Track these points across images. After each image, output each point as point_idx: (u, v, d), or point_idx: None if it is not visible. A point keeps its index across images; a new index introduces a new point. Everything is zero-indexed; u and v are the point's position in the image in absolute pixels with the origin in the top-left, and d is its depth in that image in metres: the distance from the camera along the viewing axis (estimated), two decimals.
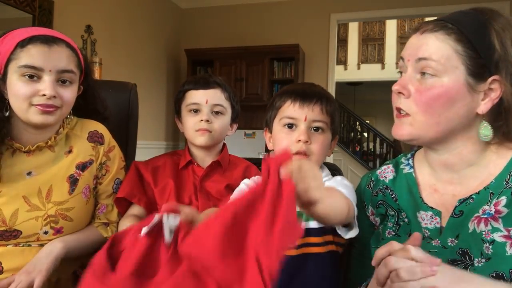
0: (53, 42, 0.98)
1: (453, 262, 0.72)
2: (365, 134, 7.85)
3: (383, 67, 7.91)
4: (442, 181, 0.82)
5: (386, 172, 0.93)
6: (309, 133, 0.95)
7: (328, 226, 0.90)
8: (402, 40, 7.60)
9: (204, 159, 1.22)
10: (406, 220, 0.84)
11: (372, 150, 7.47)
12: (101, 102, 1.20)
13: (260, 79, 4.15)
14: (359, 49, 8.08)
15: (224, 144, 1.28)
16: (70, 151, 1.10)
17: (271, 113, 1.02)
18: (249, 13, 4.47)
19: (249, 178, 1.19)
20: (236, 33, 4.45)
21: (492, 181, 0.75)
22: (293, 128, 0.96)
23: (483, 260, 0.68)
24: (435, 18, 0.79)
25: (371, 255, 0.68)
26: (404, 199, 0.86)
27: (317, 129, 0.96)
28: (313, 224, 0.92)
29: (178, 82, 4.45)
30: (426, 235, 0.79)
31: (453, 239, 0.75)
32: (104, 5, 3.34)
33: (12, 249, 1.01)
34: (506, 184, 0.73)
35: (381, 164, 0.99)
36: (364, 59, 8.07)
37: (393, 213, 0.87)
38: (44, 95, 0.96)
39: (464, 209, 0.76)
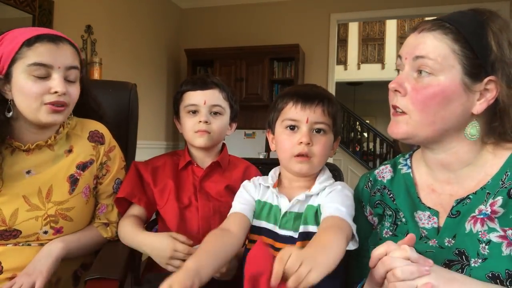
0: (58, 40, 1.00)
1: (450, 262, 0.72)
2: (365, 134, 7.85)
3: (383, 67, 7.91)
4: (440, 181, 0.83)
5: (384, 172, 0.94)
6: (311, 135, 0.95)
7: None
8: (402, 40, 7.60)
9: (204, 160, 1.22)
10: (403, 220, 0.84)
11: (372, 150, 7.47)
12: (94, 101, 1.20)
13: (260, 79, 4.15)
14: (359, 49, 8.08)
15: (224, 144, 1.28)
16: (70, 151, 1.11)
17: (273, 115, 1.02)
18: (249, 13, 4.47)
19: (249, 178, 1.20)
20: (236, 33, 4.45)
21: (488, 181, 0.76)
22: (295, 130, 0.96)
23: (480, 261, 0.69)
24: (434, 18, 0.80)
25: (369, 255, 0.69)
26: (402, 199, 0.86)
27: (319, 130, 0.96)
28: (312, 228, 0.92)
29: (178, 82, 4.44)
30: (423, 235, 0.80)
31: (450, 239, 0.75)
32: (104, 5, 3.34)
33: (12, 249, 1.01)
34: (502, 184, 0.73)
35: (380, 164, 0.99)
36: (364, 59, 8.07)
37: (390, 213, 0.87)
38: (56, 92, 0.97)
39: (461, 209, 0.76)
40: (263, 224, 0.97)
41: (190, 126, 1.17)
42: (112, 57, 3.39)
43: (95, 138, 1.15)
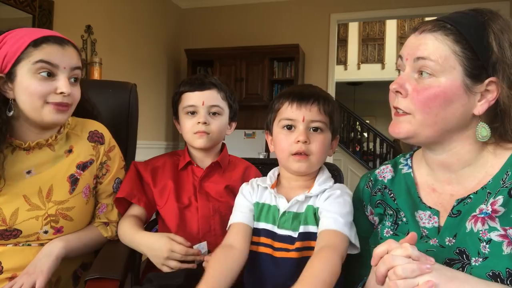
0: (64, 42, 1.01)
1: (450, 261, 0.72)
2: (365, 134, 7.85)
3: (383, 67, 7.91)
4: (440, 181, 0.83)
5: (385, 172, 0.94)
6: (307, 133, 0.95)
7: None
8: (402, 40, 7.60)
9: (204, 160, 1.22)
10: (404, 219, 0.84)
11: (372, 150, 7.47)
12: (87, 101, 1.20)
13: (260, 79, 4.15)
14: (359, 49, 8.08)
15: (224, 144, 1.28)
16: (70, 151, 1.11)
17: (270, 116, 1.02)
18: (249, 13, 4.47)
19: (248, 179, 1.20)
20: (236, 33, 4.45)
21: (489, 181, 0.76)
22: (292, 130, 0.96)
23: (480, 260, 0.69)
24: (434, 18, 0.80)
25: (370, 254, 0.69)
26: (403, 198, 0.86)
27: (316, 129, 0.96)
28: (313, 228, 0.93)
29: (178, 82, 4.44)
30: (424, 234, 0.80)
31: (451, 238, 0.75)
32: (104, 5, 3.34)
33: (12, 249, 1.01)
34: (503, 184, 0.73)
35: (381, 164, 0.99)
36: (364, 59, 8.07)
37: (391, 212, 0.87)
38: (61, 92, 0.98)
39: (462, 208, 0.76)
40: (262, 225, 0.97)
41: (189, 127, 1.17)
42: (112, 57, 3.39)
43: (95, 138, 1.15)
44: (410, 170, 0.89)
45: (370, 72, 7.93)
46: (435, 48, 0.74)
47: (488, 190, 0.75)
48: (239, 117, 1.29)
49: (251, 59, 4.15)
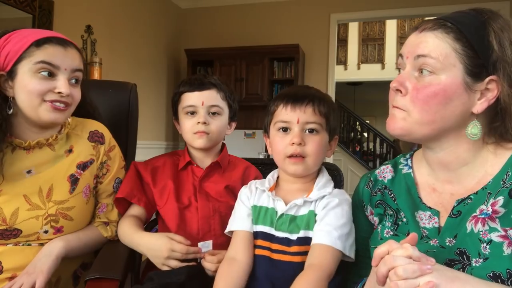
0: (66, 44, 1.02)
1: (451, 262, 0.72)
2: (365, 134, 7.86)
3: (383, 67, 7.91)
4: (440, 180, 0.83)
5: (385, 172, 0.94)
6: (303, 135, 0.95)
7: None
8: (402, 40, 7.60)
9: (203, 160, 1.22)
10: (404, 220, 0.84)
11: (372, 150, 7.48)
12: (89, 104, 1.21)
13: (260, 79, 4.14)
14: (359, 49, 8.08)
15: (224, 144, 1.28)
16: (70, 151, 1.11)
17: (267, 118, 1.03)
18: (249, 13, 4.47)
19: (248, 178, 1.20)
20: (236, 33, 4.45)
21: (490, 181, 0.75)
22: (288, 132, 0.96)
23: (481, 260, 0.68)
24: (435, 17, 0.80)
25: (370, 255, 0.68)
26: (403, 199, 0.86)
27: (311, 130, 0.96)
28: (312, 233, 0.92)
29: (178, 82, 4.44)
30: (424, 234, 0.80)
31: (451, 239, 0.75)
32: (104, 5, 3.34)
33: (12, 248, 1.01)
34: (503, 184, 0.73)
35: (381, 164, 0.99)
36: (364, 59, 8.07)
37: (391, 212, 0.87)
38: (59, 92, 0.98)
39: (462, 209, 0.76)
40: (260, 228, 0.97)
41: (188, 127, 1.17)
42: (112, 57, 3.39)
43: (95, 138, 1.15)
44: (410, 170, 0.89)
45: (370, 72, 7.93)
46: (436, 46, 0.74)
47: (488, 191, 0.74)
48: (239, 117, 1.29)
49: (251, 59, 4.15)
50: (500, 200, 0.71)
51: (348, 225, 0.93)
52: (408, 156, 0.93)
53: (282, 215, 0.95)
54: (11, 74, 0.97)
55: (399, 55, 0.81)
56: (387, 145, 7.43)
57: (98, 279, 0.96)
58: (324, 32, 4.25)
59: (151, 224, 1.28)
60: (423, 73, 0.75)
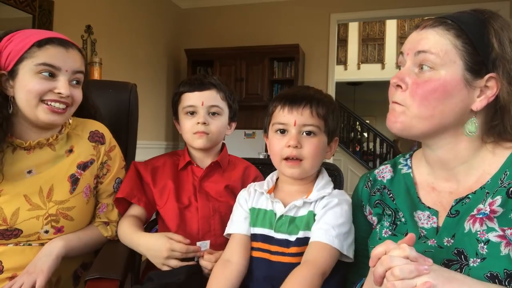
0: (68, 45, 1.02)
1: (449, 262, 0.72)
2: (365, 134, 7.86)
3: (383, 67, 7.91)
4: (439, 178, 0.83)
5: (384, 172, 0.94)
6: (299, 137, 0.94)
7: None
8: (402, 40, 7.60)
9: (203, 160, 1.22)
10: (403, 220, 0.84)
11: (372, 150, 7.48)
12: (91, 106, 1.21)
13: (260, 79, 4.15)
14: (359, 49, 8.08)
15: (224, 144, 1.28)
16: (71, 151, 1.11)
17: (266, 119, 1.03)
18: (249, 13, 4.47)
19: (248, 178, 1.20)
20: (236, 33, 4.45)
21: (488, 181, 0.76)
22: (285, 134, 0.96)
23: (478, 260, 0.68)
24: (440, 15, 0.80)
25: (368, 255, 0.68)
26: (402, 199, 0.86)
27: (308, 133, 0.95)
28: (311, 234, 0.92)
29: (178, 82, 4.44)
30: (422, 234, 0.80)
31: (449, 238, 0.75)
32: (104, 5, 3.34)
33: (12, 248, 1.01)
34: (501, 184, 0.73)
35: (380, 164, 0.99)
36: (364, 59, 8.07)
37: (390, 212, 0.87)
38: (59, 93, 0.99)
39: (460, 208, 0.76)
40: (258, 230, 0.97)
41: (188, 128, 1.17)
42: (112, 57, 3.39)
43: (96, 138, 1.15)
44: (410, 170, 0.89)
45: (370, 72, 7.93)
46: (436, 42, 0.74)
47: (486, 190, 0.75)
48: (239, 117, 1.29)
49: (251, 59, 4.15)
50: (498, 199, 0.71)
51: (347, 224, 0.92)
52: (407, 156, 0.94)
53: (281, 216, 0.95)
54: (12, 73, 0.98)
55: (400, 53, 0.82)
56: (387, 145, 7.44)
57: (98, 279, 0.96)
58: (324, 32, 4.25)
59: (151, 224, 1.28)
60: (423, 69, 0.75)
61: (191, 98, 1.16)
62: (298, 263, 0.90)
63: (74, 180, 1.09)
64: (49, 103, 0.99)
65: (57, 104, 1.00)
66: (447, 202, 0.80)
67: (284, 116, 0.95)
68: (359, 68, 8.08)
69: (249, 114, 4.18)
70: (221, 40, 4.43)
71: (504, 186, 0.72)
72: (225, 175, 1.21)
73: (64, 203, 1.06)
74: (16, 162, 1.02)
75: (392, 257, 0.62)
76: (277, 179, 1.05)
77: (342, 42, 7.81)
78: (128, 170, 1.22)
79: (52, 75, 0.99)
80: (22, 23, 2.58)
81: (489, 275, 0.66)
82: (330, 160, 4.03)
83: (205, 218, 1.13)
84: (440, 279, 0.60)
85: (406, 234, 0.80)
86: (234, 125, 1.27)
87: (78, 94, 1.06)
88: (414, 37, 0.79)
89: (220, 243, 1.08)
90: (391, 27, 7.94)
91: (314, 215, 0.94)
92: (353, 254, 0.92)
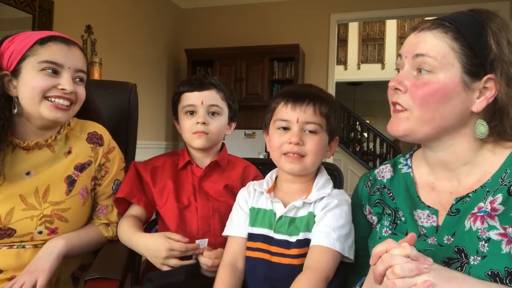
0: (70, 43, 1.03)
1: (449, 260, 0.72)
2: (365, 134, 7.86)
3: (383, 67, 7.91)
4: (440, 179, 0.83)
5: (384, 171, 0.94)
6: (301, 134, 0.94)
7: None
8: (402, 40, 7.59)
9: (203, 160, 1.22)
10: (403, 219, 0.84)
11: (372, 150, 7.47)
12: (94, 111, 1.20)
13: (260, 79, 4.15)
14: (359, 49, 8.08)
15: (223, 144, 1.28)
16: (69, 152, 1.11)
17: (268, 116, 1.02)
18: (249, 13, 4.47)
19: (248, 178, 1.19)
20: (236, 33, 4.45)
21: (488, 180, 0.76)
22: (287, 130, 0.95)
23: (479, 258, 0.68)
24: (434, 18, 0.80)
25: (369, 254, 0.68)
26: (401, 198, 0.86)
27: (311, 130, 0.95)
28: (311, 235, 0.92)
29: (178, 82, 4.43)
30: (422, 233, 0.80)
31: (450, 237, 0.75)
32: (104, 5, 3.34)
33: (6, 251, 1.00)
34: (501, 182, 0.73)
35: (380, 164, 0.99)
36: (364, 59, 8.07)
37: (390, 212, 0.87)
38: (63, 89, 0.99)
39: (461, 207, 0.76)
40: (258, 230, 0.97)
41: (188, 127, 1.17)
42: (112, 57, 3.39)
43: (94, 140, 1.15)
44: (410, 170, 0.89)
45: (370, 72, 7.93)
46: (434, 45, 0.75)
47: (487, 189, 0.75)
48: (239, 117, 1.29)
49: (251, 59, 4.15)
50: (499, 197, 0.71)
51: (347, 226, 0.92)
52: (407, 156, 0.94)
53: (281, 217, 0.95)
54: (15, 72, 0.98)
55: (398, 55, 0.82)
56: (387, 145, 7.43)
57: (98, 279, 0.96)
58: (324, 32, 4.25)
59: (151, 224, 1.28)
60: (421, 72, 0.75)
61: (191, 98, 1.16)
62: (299, 265, 0.89)
63: (71, 182, 1.08)
64: (52, 99, 0.99)
65: (61, 101, 1.00)
66: (447, 202, 0.80)
67: (287, 113, 0.95)
68: (359, 68, 8.08)
69: (249, 114, 4.18)
70: (221, 40, 4.43)
71: (505, 185, 0.72)
72: (224, 175, 1.20)
73: (59, 204, 1.05)
74: (15, 163, 1.02)
75: (393, 255, 0.62)
76: (276, 178, 1.05)
77: (342, 42, 7.81)
78: (127, 170, 1.21)
79: (55, 72, 0.99)
80: (22, 23, 2.58)
81: (490, 273, 0.66)
82: (330, 160, 4.04)
83: (204, 218, 1.13)
84: (440, 278, 0.60)
85: (406, 233, 0.80)
86: (234, 125, 1.27)
87: (81, 91, 1.05)
88: (412, 39, 0.79)
89: (219, 242, 1.08)
90: (391, 27, 7.94)
91: (314, 216, 0.93)
92: (354, 255, 0.92)
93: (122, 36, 3.57)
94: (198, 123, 1.15)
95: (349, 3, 4.18)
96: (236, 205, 1.05)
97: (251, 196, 1.02)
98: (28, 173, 1.04)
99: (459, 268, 0.70)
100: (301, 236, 0.92)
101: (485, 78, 0.73)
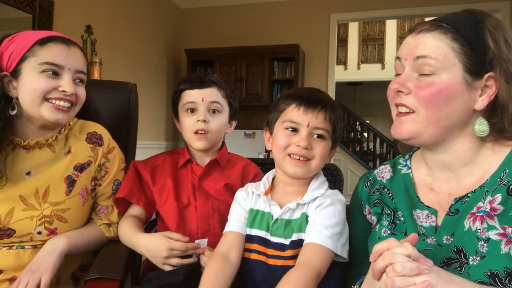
0: (70, 43, 1.02)
1: (448, 261, 0.72)
2: (365, 134, 7.86)
3: (383, 67, 7.91)
4: (439, 180, 0.83)
5: (384, 172, 0.94)
6: (310, 139, 0.94)
7: None
8: (402, 40, 7.55)
9: (203, 158, 1.22)
10: (402, 219, 0.84)
11: (372, 150, 7.47)
12: (93, 111, 1.20)
13: (260, 79, 4.15)
14: (359, 49, 8.08)
15: (223, 143, 1.28)
16: (69, 152, 1.10)
17: (273, 115, 1.01)
18: (249, 13, 4.47)
19: (248, 176, 1.19)
20: (236, 33, 4.45)
21: (487, 179, 0.76)
22: (295, 132, 0.95)
23: (478, 258, 0.69)
24: (431, 19, 0.80)
25: (368, 254, 0.69)
26: (401, 198, 0.87)
27: (319, 136, 0.95)
28: (304, 236, 0.92)
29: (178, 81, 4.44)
30: (421, 232, 0.80)
31: (449, 237, 0.75)
32: (104, 5, 3.34)
33: (6, 252, 1.00)
34: (500, 181, 0.73)
35: (380, 164, 0.99)
36: (364, 59, 8.07)
37: (389, 212, 0.87)
38: (64, 91, 0.99)
39: (460, 207, 0.77)
40: (256, 232, 0.97)
41: (188, 126, 1.16)
42: (112, 57, 3.39)
43: (93, 140, 1.15)
44: (409, 171, 0.90)
45: (370, 72, 7.93)
46: (434, 46, 0.75)
47: (486, 189, 0.75)
48: (239, 117, 1.28)
49: (251, 59, 4.16)
50: (498, 197, 0.71)
51: (340, 224, 0.92)
52: (407, 156, 0.94)
53: (276, 220, 0.95)
54: (15, 73, 0.97)
55: (396, 58, 0.82)
56: (387, 145, 7.43)
57: (98, 279, 0.96)
58: (324, 32, 4.26)
59: (151, 224, 1.28)
60: (423, 73, 0.76)
61: (192, 95, 1.16)
62: (294, 265, 0.90)
63: (71, 182, 1.08)
64: (53, 101, 0.99)
65: (61, 102, 1.00)
66: (446, 203, 0.80)
67: (298, 115, 0.95)
68: (359, 68, 8.08)
69: (249, 114, 4.18)
70: (221, 40, 4.44)
71: (504, 184, 0.72)
72: (224, 173, 1.20)
73: (59, 205, 1.05)
74: (16, 163, 1.02)
75: (394, 253, 0.63)
76: (273, 179, 1.05)
77: (342, 42, 7.81)
78: (127, 169, 1.21)
79: (56, 74, 0.99)
80: (22, 23, 2.58)
81: (489, 273, 0.66)
82: (330, 160, 4.03)
83: (204, 217, 1.13)
84: (439, 280, 0.61)
85: (405, 233, 0.80)
86: (234, 123, 1.26)
87: (82, 92, 1.05)
88: (410, 42, 0.79)
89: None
90: (391, 27, 7.94)
91: (307, 216, 0.93)
92: (348, 254, 0.92)
93: (122, 36, 3.57)
94: (198, 121, 1.14)
95: (349, 3, 4.18)
96: (234, 202, 1.05)
97: (249, 197, 1.02)
98: (28, 173, 1.03)
99: (458, 268, 0.70)
100: (294, 237, 0.92)
101: (485, 76, 0.74)
